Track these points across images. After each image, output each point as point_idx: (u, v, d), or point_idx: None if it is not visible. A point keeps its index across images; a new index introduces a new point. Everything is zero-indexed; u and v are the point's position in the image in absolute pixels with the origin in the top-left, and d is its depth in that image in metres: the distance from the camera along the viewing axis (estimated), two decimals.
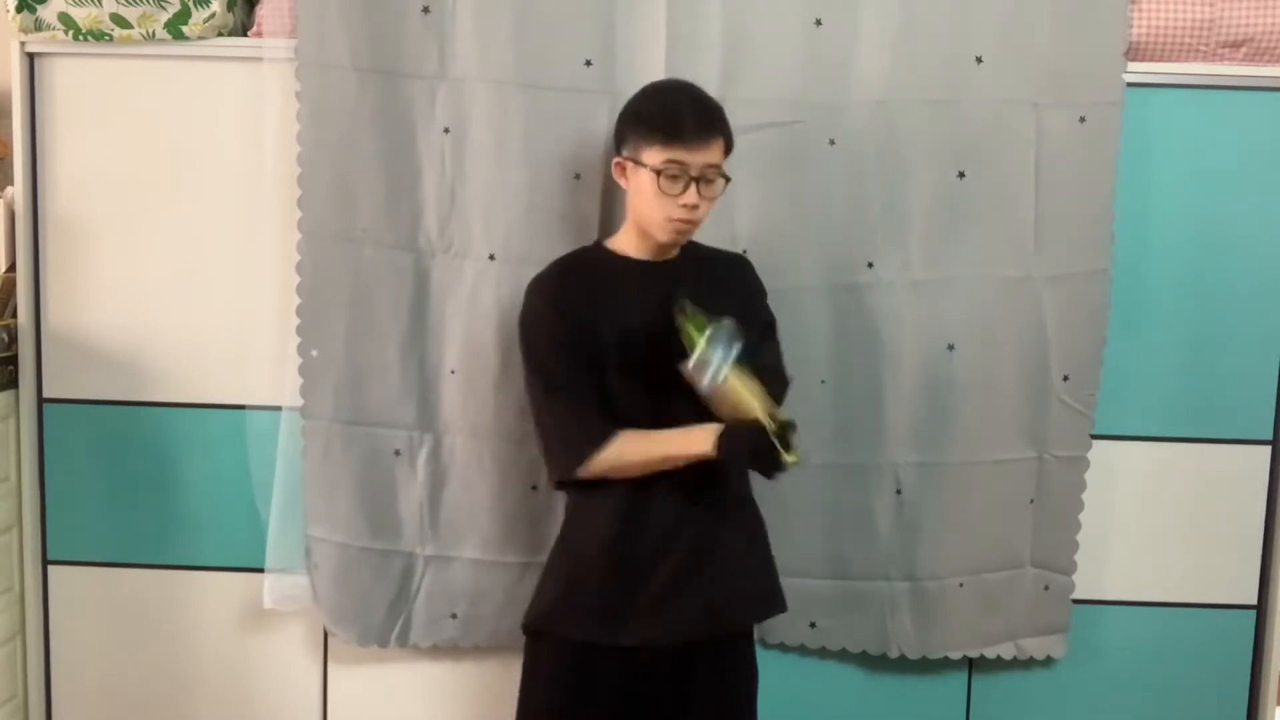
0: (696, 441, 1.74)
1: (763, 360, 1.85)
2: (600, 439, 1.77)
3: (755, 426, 1.68)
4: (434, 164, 2.12)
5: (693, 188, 1.76)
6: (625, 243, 1.88)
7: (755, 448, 1.69)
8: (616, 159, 1.83)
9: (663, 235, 1.81)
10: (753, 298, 1.95)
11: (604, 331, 1.80)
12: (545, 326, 1.82)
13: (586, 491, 1.84)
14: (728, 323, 1.70)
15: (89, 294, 2.24)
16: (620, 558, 1.82)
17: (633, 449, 1.78)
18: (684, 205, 1.76)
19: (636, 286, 1.84)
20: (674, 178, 1.75)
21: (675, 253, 1.88)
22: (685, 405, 1.75)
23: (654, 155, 1.75)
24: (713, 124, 1.77)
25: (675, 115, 1.76)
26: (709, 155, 1.76)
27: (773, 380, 1.84)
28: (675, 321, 1.71)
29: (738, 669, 1.92)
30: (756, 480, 2.12)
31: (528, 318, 1.85)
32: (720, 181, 1.79)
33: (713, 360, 1.67)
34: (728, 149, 1.81)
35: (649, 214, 1.80)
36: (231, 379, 2.24)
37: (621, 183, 1.84)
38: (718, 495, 1.84)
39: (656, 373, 1.75)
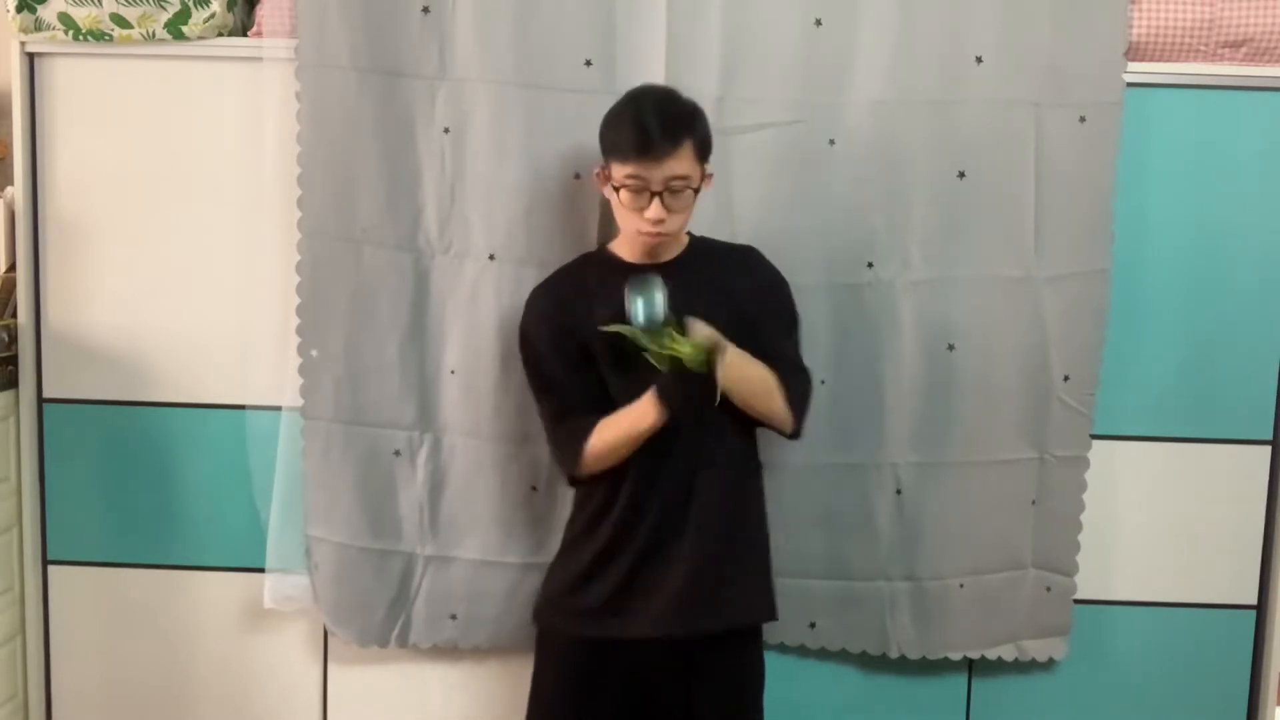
0: (643, 414, 1.77)
1: (780, 356, 1.87)
2: (583, 437, 1.82)
3: (675, 369, 1.70)
4: (434, 164, 2.12)
5: (656, 202, 1.75)
6: (621, 246, 1.90)
7: (686, 388, 1.71)
8: (598, 169, 1.84)
9: (638, 246, 1.85)
10: (766, 290, 1.93)
11: (591, 334, 1.81)
12: (535, 337, 1.90)
13: (590, 487, 1.90)
14: (646, 278, 1.72)
15: (89, 294, 2.24)
16: (613, 554, 1.85)
17: (601, 439, 1.82)
18: (648, 219, 1.76)
19: (622, 289, 1.83)
20: (636, 192, 1.76)
21: (677, 252, 1.89)
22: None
23: (617, 170, 1.77)
24: (675, 134, 1.74)
25: (634, 130, 1.75)
26: (672, 167, 1.74)
27: (793, 376, 1.87)
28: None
29: (744, 666, 1.92)
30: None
31: (523, 328, 1.93)
32: (689, 192, 1.78)
33: (638, 310, 1.69)
34: (702, 152, 1.79)
35: (623, 225, 1.84)
36: (231, 379, 2.23)
37: (605, 192, 1.85)
38: (716, 494, 1.84)
39: (644, 368, 1.76)
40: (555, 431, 1.91)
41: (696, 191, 1.80)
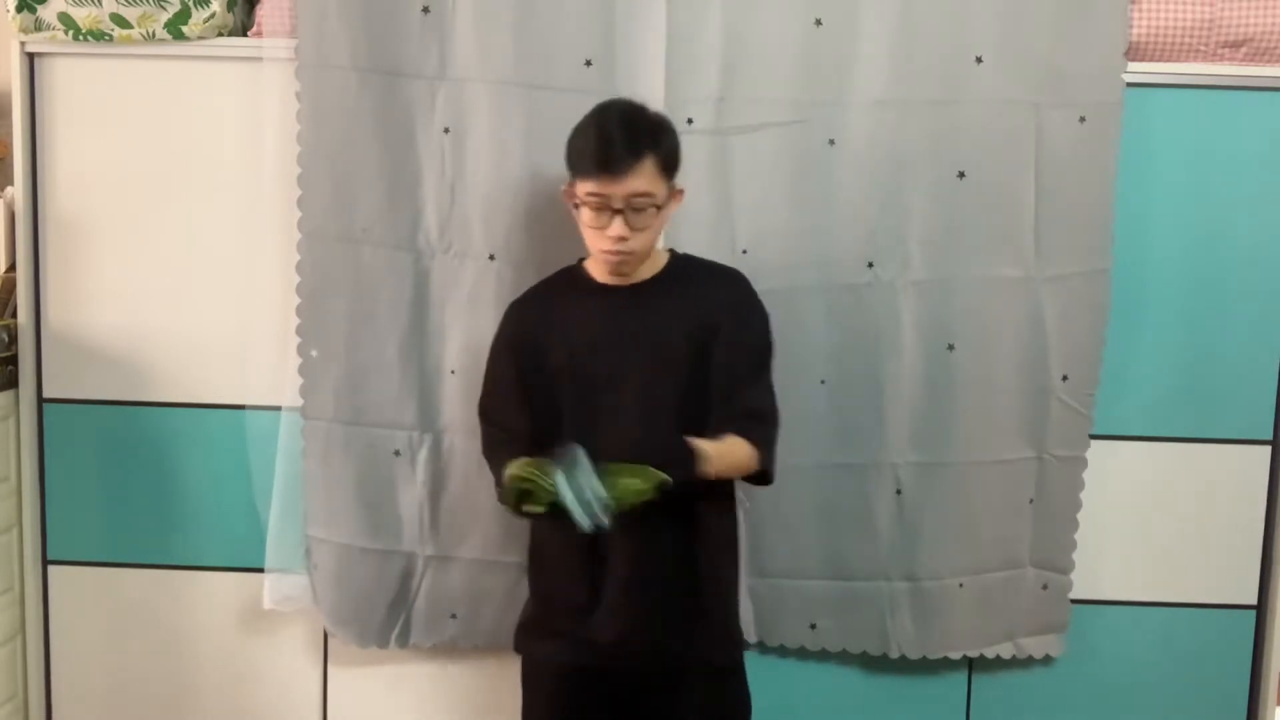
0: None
1: (747, 404, 1.79)
2: (502, 465, 1.72)
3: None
4: (434, 164, 2.12)
5: (618, 220, 1.71)
6: (592, 264, 1.86)
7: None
8: (565, 185, 1.79)
9: (602, 265, 1.81)
10: (738, 320, 1.83)
11: (555, 357, 1.79)
12: (499, 345, 1.89)
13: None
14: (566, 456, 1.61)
15: (89, 294, 2.24)
16: (578, 580, 1.81)
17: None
18: (610, 238, 1.72)
19: (591, 311, 1.82)
20: (597, 210, 1.72)
21: (652, 271, 1.84)
22: (634, 422, 1.75)
23: (580, 187, 1.73)
24: (636, 150, 1.69)
25: (595, 146, 1.71)
26: (633, 184, 1.69)
27: (756, 428, 1.78)
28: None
29: (728, 695, 1.90)
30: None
31: (495, 337, 1.92)
32: (652, 210, 1.73)
33: (574, 500, 1.58)
34: (667, 168, 1.74)
35: (588, 244, 1.79)
36: (231, 379, 2.23)
37: (571, 210, 1.80)
38: (678, 526, 1.79)
39: (599, 394, 1.76)
40: (485, 430, 1.89)
41: (660, 208, 1.74)
